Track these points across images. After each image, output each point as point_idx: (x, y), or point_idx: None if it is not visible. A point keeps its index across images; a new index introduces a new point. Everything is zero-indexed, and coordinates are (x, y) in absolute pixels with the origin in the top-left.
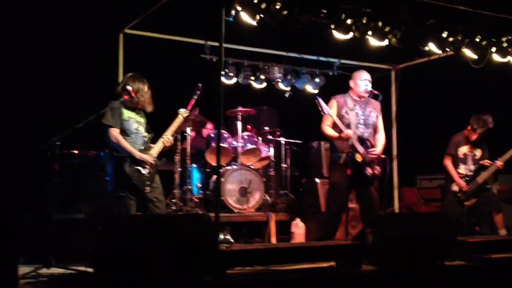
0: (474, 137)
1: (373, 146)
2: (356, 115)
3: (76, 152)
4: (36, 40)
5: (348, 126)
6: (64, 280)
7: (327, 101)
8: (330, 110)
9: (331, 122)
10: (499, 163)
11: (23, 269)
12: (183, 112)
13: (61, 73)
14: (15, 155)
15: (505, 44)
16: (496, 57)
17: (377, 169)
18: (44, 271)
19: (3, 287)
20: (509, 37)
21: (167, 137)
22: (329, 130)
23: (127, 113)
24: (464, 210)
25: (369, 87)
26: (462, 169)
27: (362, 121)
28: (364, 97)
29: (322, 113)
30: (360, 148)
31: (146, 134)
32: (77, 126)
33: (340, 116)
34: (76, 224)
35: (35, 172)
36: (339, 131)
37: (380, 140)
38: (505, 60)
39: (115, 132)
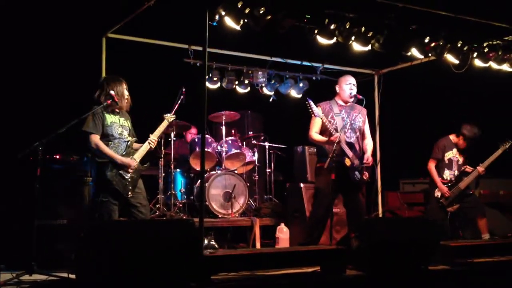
0: (464, 145)
1: (361, 150)
2: (342, 120)
3: (58, 157)
4: (18, 45)
5: (335, 131)
6: (46, 286)
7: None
8: (320, 112)
9: (319, 128)
10: (480, 169)
11: (4, 276)
12: (168, 117)
13: (43, 77)
14: None
15: (486, 50)
16: (478, 62)
17: (366, 175)
18: (26, 277)
19: None
20: (490, 43)
21: (153, 139)
22: (317, 136)
23: (110, 118)
24: (447, 215)
25: (354, 91)
26: (447, 174)
27: (348, 126)
28: (349, 102)
29: (312, 115)
30: (349, 153)
31: (130, 138)
32: (59, 131)
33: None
34: (58, 230)
35: (17, 178)
36: (328, 135)
37: (369, 145)
38: (486, 65)
39: (95, 139)
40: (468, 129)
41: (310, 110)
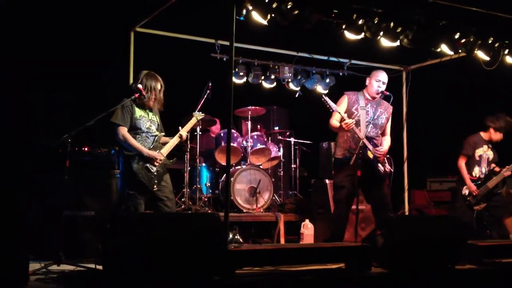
0: (497, 137)
1: (379, 145)
2: (367, 114)
3: (87, 149)
4: (49, 39)
5: (357, 123)
6: (73, 277)
7: (339, 97)
8: (337, 107)
9: (339, 118)
10: (507, 173)
11: (33, 266)
12: (198, 115)
13: (72, 71)
14: (26, 152)
15: None
16: (509, 59)
17: (387, 167)
18: (54, 267)
19: (15, 283)
20: None
21: (184, 133)
22: (334, 122)
23: (138, 112)
24: (474, 214)
25: (382, 88)
26: (477, 171)
27: (371, 120)
28: (376, 98)
29: (330, 110)
30: (370, 146)
31: (158, 133)
32: (88, 123)
33: (350, 113)
34: (86, 221)
35: (46, 169)
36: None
37: (387, 141)
38: None
39: (123, 131)
40: (493, 120)
41: (328, 106)
